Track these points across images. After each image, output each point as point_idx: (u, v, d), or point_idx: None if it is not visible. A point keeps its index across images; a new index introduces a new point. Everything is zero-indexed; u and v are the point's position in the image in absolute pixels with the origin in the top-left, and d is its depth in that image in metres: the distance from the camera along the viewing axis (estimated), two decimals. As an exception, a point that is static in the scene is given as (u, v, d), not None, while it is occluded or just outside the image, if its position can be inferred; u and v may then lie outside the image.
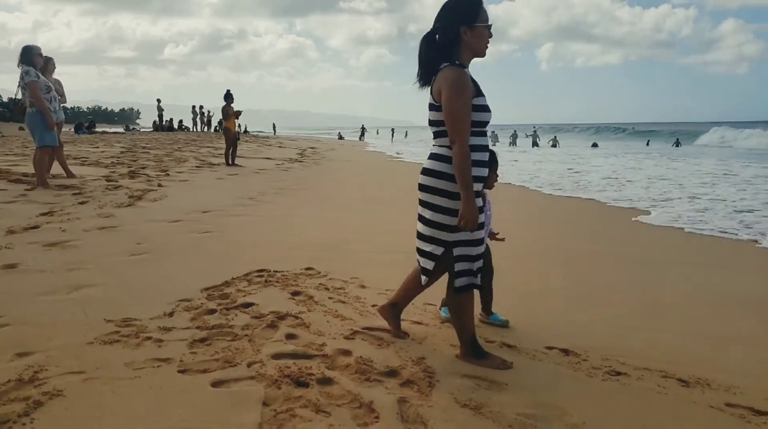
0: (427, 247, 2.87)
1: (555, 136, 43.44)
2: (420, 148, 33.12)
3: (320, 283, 4.17)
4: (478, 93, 2.73)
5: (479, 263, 2.88)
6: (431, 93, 2.79)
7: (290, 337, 3.12)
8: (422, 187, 2.84)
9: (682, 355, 3.14)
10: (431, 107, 2.80)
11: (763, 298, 4.41)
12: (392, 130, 64.96)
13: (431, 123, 2.83)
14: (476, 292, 2.95)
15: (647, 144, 41.62)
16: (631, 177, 15.31)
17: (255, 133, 47.94)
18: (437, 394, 2.53)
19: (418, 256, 2.98)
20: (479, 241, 2.82)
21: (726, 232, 7.14)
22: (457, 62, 2.73)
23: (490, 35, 2.78)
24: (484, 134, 2.78)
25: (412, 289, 3.16)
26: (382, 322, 3.37)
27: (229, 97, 13.77)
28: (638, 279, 4.83)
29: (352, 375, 2.69)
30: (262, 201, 8.49)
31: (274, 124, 66.48)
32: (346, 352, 2.93)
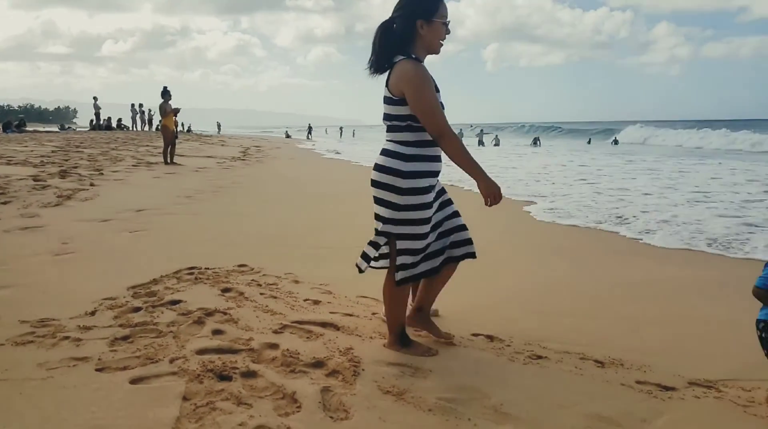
0: (377, 239, 2.87)
1: (496, 136, 44.44)
2: (362, 146, 33.20)
3: (252, 280, 4.13)
4: (436, 89, 2.72)
5: (420, 258, 2.89)
6: (387, 86, 2.75)
7: (217, 332, 3.08)
8: (373, 183, 2.83)
9: (599, 337, 3.28)
10: (388, 101, 2.76)
11: (666, 282, 4.65)
12: (340, 128, 65.06)
13: (387, 117, 2.79)
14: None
15: (588, 142, 42.99)
16: (548, 171, 15.81)
17: (198, 133, 46.82)
18: (361, 382, 2.56)
19: (463, 249, 2.99)
20: (423, 236, 2.82)
21: (597, 224, 7.48)
22: (413, 56, 2.71)
23: (447, 32, 2.77)
24: None
25: (430, 286, 3.10)
26: (314, 316, 3.37)
27: (166, 94, 13.40)
28: (556, 268, 5.00)
29: (278, 367, 2.68)
30: (200, 199, 8.32)
31: (218, 123, 65.12)
32: (273, 346, 2.92)
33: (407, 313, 3.08)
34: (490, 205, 2.73)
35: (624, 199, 9.78)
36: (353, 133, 64.21)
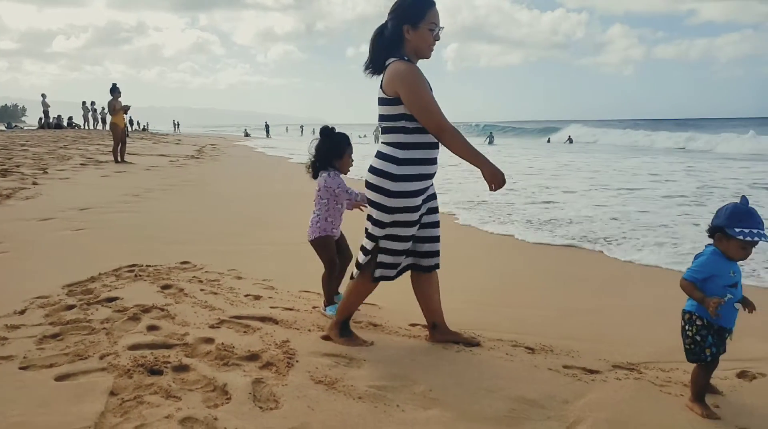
0: (365, 243, 2.88)
1: None
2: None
3: (194, 276, 4.09)
4: (429, 89, 2.74)
5: (401, 258, 2.88)
6: (381, 87, 2.76)
7: (152, 328, 3.04)
8: (366, 185, 2.83)
9: (531, 326, 3.38)
10: (382, 101, 2.77)
11: (590, 275, 4.83)
12: (301, 127, 64.71)
13: (381, 118, 2.80)
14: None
15: (548, 141, 43.41)
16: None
17: (154, 132, 45.76)
18: (294, 373, 2.58)
19: (428, 260, 2.97)
20: (407, 238, 2.83)
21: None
22: (405, 57, 2.73)
23: (437, 38, 2.77)
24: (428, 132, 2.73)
25: (429, 299, 3.06)
26: (253, 311, 3.37)
27: (115, 90, 13.05)
28: (489, 262, 5.13)
29: (211, 361, 2.68)
30: (148, 197, 8.16)
31: (175, 122, 63.82)
32: (209, 340, 2.91)
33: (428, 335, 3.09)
34: (495, 190, 2.71)
35: (549, 200, 10.01)
36: (313, 131, 63.69)
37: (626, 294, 4.23)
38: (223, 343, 2.85)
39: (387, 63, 2.75)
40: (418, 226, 2.84)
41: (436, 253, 3.00)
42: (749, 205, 2.32)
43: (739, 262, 2.37)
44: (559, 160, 20.86)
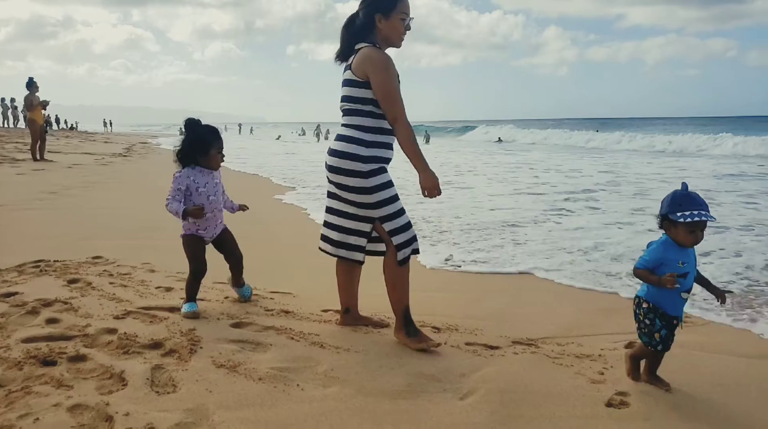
0: (352, 236, 2.87)
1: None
2: (253, 142, 32.63)
3: (105, 270, 3.98)
4: (398, 81, 2.78)
5: (413, 231, 2.88)
6: (350, 69, 2.79)
7: (51, 321, 2.95)
8: (331, 169, 2.83)
9: (441, 307, 3.49)
10: (350, 83, 2.79)
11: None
12: (239, 125, 63.75)
13: (346, 99, 2.81)
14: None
15: (498, 140, 42.13)
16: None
17: (82, 131, 43.75)
18: (196, 359, 2.56)
19: (339, 250, 2.93)
20: (403, 211, 2.85)
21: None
22: (377, 44, 2.78)
23: (408, 28, 2.83)
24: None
25: (351, 283, 3.08)
26: (162, 302, 3.32)
27: (32, 84, 12.41)
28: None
29: (112, 350, 2.63)
30: (66, 195, 7.83)
31: (105, 120, 61.32)
32: (111, 331, 2.84)
33: (339, 319, 3.09)
34: (429, 197, 2.78)
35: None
36: (251, 130, 62.87)
37: (534, 277, 4.42)
38: (126, 333, 2.80)
39: (357, 47, 2.80)
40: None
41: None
42: (689, 190, 2.33)
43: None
44: (468, 158, 21.39)
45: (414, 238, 2.88)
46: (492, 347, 2.89)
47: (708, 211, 2.27)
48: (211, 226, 3.21)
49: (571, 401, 2.32)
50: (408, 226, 2.86)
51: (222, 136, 3.19)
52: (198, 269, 3.15)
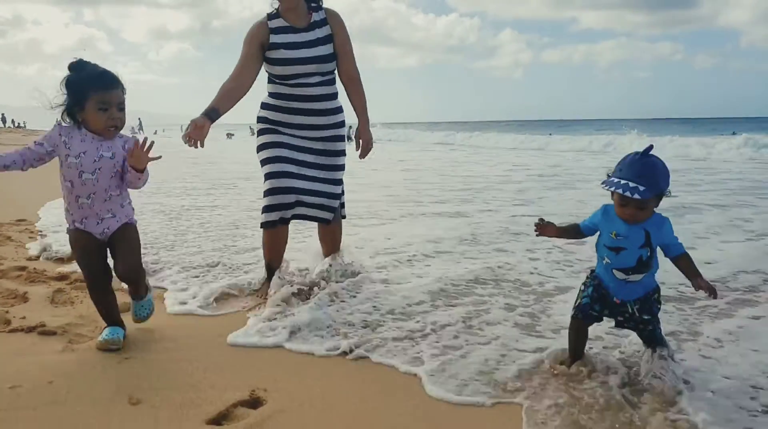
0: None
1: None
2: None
3: (26, 228, 4.24)
4: None
5: (270, 199, 2.83)
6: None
7: (-33, 262, 3.21)
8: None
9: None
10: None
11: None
12: (181, 126, 63.29)
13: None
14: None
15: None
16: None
17: (31, 130, 42.50)
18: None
19: (314, 211, 2.86)
20: (268, 175, 2.84)
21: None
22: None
23: None
24: None
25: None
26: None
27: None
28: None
29: (21, 281, 2.92)
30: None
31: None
32: (22, 268, 3.13)
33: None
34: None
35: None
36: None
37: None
38: (35, 269, 3.10)
39: (322, 6, 2.89)
40: None
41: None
42: (646, 155, 1.90)
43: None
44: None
45: (266, 208, 2.79)
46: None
47: (644, 187, 1.83)
48: (92, 217, 2.22)
49: None
50: (266, 193, 2.79)
51: (118, 89, 2.18)
52: (91, 277, 2.25)
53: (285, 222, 2.82)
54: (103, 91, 2.14)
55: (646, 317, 2.02)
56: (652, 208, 1.93)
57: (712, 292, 1.85)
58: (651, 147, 1.91)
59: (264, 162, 2.83)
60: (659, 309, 2.06)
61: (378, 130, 41.44)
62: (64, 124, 2.18)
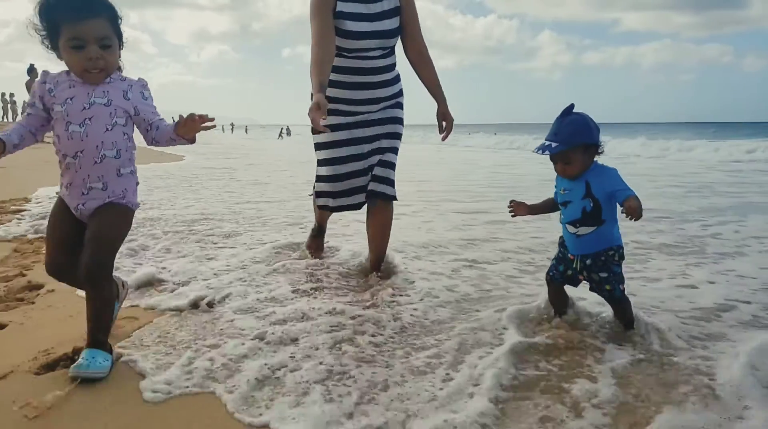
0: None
1: None
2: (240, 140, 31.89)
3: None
4: None
5: (322, 185, 2.86)
6: None
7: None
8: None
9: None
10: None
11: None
12: (231, 124, 65.08)
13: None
14: None
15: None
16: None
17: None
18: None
19: (381, 186, 2.69)
20: (325, 161, 2.82)
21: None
22: None
23: None
24: None
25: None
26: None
27: (32, 71, 12.89)
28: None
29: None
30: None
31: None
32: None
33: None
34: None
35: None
36: (246, 130, 63.94)
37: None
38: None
39: None
40: None
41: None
42: (568, 113, 2.00)
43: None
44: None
45: (321, 193, 2.79)
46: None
47: (557, 143, 1.96)
48: (77, 185, 1.80)
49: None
50: (324, 179, 2.76)
51: (97, 18, 1.69)
52: (49, 267, 1.87)
53: (341, 210, 2.83)
54: (73, 22, 1.65)
55: (602, 274, 2.06)
56: (581, 160, 1.99)
57: (632, 213, 1.84)
58: (572, 106, 2.00)
59: (320, 146, 2.76)
60: (619, 268, 2.08)
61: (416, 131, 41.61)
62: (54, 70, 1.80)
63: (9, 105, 36.68)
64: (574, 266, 2.12)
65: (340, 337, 2.07)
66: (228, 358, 1.87)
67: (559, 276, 2.19)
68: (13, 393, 1.65)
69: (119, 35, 1.76)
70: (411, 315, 2.34)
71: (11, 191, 5.71)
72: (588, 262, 2.08)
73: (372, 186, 2.68)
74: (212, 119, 1.77)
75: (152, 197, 5.80)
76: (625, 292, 2.13)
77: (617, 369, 1.83)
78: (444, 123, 2.76)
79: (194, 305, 2.41)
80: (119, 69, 1.82)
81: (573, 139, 1.97)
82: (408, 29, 2.67)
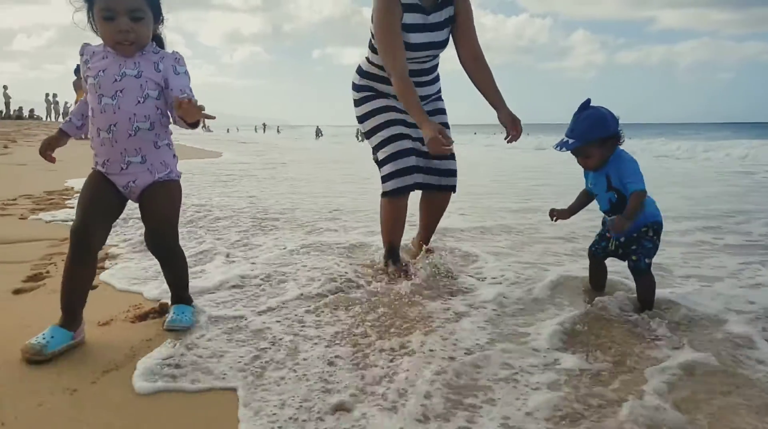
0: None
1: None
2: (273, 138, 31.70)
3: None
4: None
5: (393, 165, 2.68)
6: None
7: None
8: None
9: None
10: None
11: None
12: (264, 124, 66.56)
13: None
14: None
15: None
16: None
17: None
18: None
19: (446, 179, 2.73)
20: (386, 141, 2.71)
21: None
22: None
23: None
24: None
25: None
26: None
27: (79, 70, 13.39)
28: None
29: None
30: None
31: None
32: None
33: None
34: (434, 152, 2.47)
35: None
36: (278, 130, 64.96)
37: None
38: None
39: None
40: None
41: None
42: (585, 108, 2.07)
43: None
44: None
45: (391, 175, 2.58)
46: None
47: (573, 139, 2.04)
48: (115, 160, 1.79)
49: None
50: (388, 159, 2.59)
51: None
52: (76, 228, 1.72)
53: (410, 189, 2.60)
54: None
55: (632, 247, 2.14)
56: (599, 153, 2.06)
57: (614, 227, 2.00)
58: (588, 101, 2.06)
59: (378, 128, 2.65)
60: (651, 243, 2.14)
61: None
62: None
63: (52, 105, 38.07)
64: (611, 246, 2.24)
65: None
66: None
67: (601, 250, 2.31)
68: (115, 336, 1.89)
69: (155, 9, 1.75)
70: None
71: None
72: (622, 240, 2.20)
73: (434, 180, 2.70)
74: (213, 116, 1.76)
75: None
76: (651, 268, 2.16)
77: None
78: (508, 126, 2.57)
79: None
80: (161, 45, 1.82)
81: (588, 135, 2.04)
82: (464, 33, 2.61)
